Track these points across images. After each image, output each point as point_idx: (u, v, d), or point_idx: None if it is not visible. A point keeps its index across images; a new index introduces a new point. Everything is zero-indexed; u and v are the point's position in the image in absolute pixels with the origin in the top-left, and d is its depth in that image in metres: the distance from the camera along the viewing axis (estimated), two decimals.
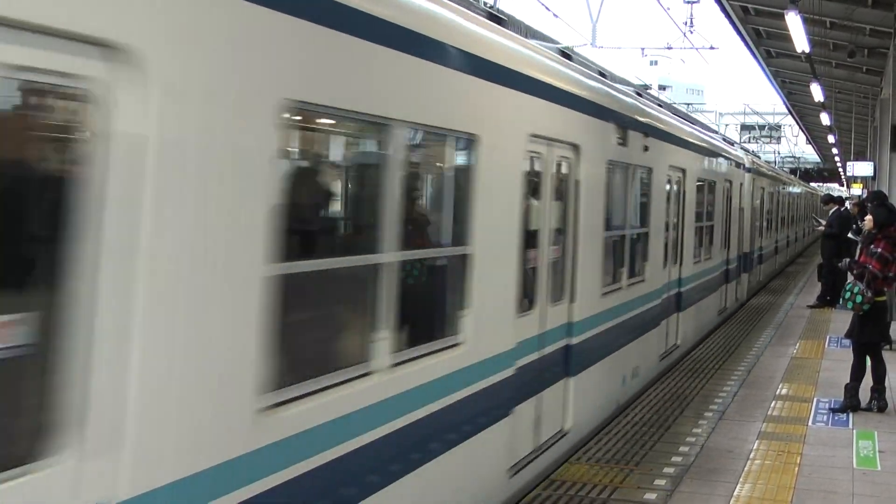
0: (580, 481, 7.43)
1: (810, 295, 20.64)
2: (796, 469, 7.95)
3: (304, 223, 4.56)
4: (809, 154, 68.49)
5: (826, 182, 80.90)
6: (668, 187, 12.21)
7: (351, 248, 5.15)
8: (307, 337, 4.67)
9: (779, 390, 11.02)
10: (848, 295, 9.92)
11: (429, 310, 5.93)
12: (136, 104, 3.10)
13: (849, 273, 10.29)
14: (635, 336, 10.52)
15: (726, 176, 17.11)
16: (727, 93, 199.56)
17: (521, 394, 6.89)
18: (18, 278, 3.08)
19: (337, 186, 5.34)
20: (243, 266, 3.72)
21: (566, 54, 9.49)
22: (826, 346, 14.21)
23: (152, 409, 3.31)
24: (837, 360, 12.48)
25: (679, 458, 8.12)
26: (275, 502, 3.88)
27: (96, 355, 3.09)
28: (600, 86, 9.53)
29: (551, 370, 7.66)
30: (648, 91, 18.94)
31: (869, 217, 10.47)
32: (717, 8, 22.44)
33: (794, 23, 16.65)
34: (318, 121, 4.70)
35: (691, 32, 24.05)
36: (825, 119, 33.85)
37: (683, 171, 13.00)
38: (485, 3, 14.15)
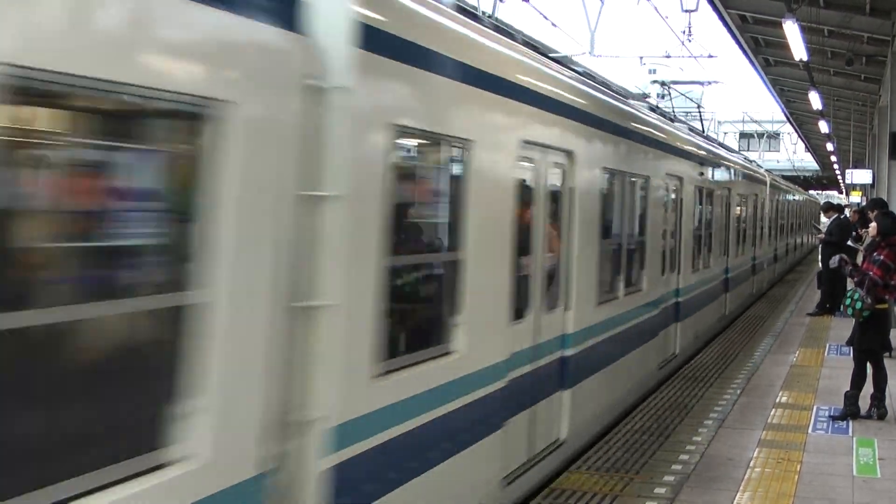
0: (580, 490, 7.43)
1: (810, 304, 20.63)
2: (796, 477, 7.95)
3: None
4: (808, 162, 68.53)
5: (825, 190, 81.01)
6: (522, 177, 7.13)
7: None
8: None
9: (779, 398, 11.02)
10: (848, 301, 9.96)
11: None
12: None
13: (849, 279, 10.32)
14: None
15: (666, 168, 12.21)
16: (726, 101, 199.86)
17: None
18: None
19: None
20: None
21: None
22: (826, 353, 14.20)
23: None
24: (837, 368, 12.48)
25: (679, 467, 8.12)
26: None
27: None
28: None
29: None
30: (647, 98, 18.87)
31: (873, 225, 10.49)
32: (715, 16, 22.48)
33: (791, 31, 16.69)
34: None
35: (690, 41, 24.12)
36: (824, 127, 33.89)
37: (570, 153, 8.00)
38: (483, 13, 14.17)
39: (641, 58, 25.24)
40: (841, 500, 7.43)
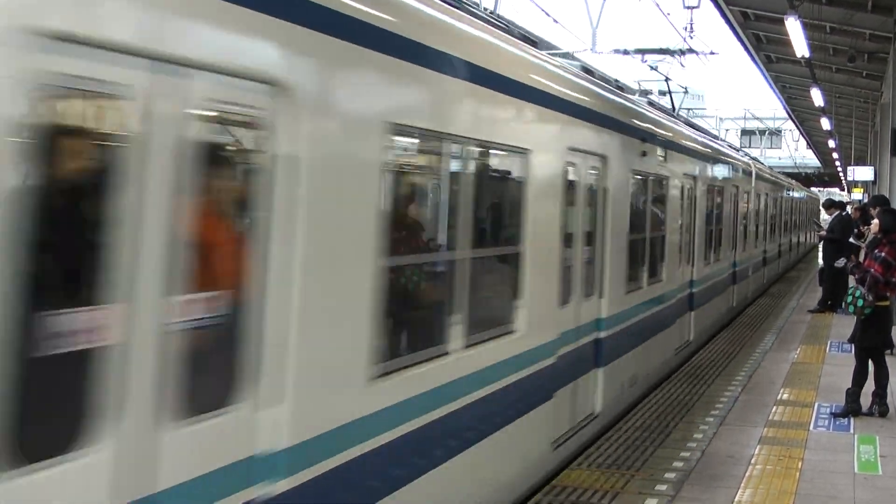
0: (581, 487, 7.42)
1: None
2: (797, 474, 7.94)
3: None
4: (810, 159, 68.55)
5: (827, 187, 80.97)
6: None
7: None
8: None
9: (780, 395, 11.01)
10: (850, 299, 9.95)
11: None
12: None
13: (850, 277, 10.33)
14: None
15: (571, 141, 8.14)
16: (727, 98, 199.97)
17: None
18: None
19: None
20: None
21: None
22: (827, 350, 14.19)
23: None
24: (838, 365, 12.47)
25: (680, 464, 8.11)
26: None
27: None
28: None
29: None
30: (649, 95, 18.65)
31: (875, 222, 10.49)
32: (717, 13, 22.46)
33: (793, 28, 16.67)
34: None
35: (691, 37, 24.09)
36: (825, 124, 33.88)
37: (278, 87, 4.10)
38: (484, 9, 14.13)
39: (643, 53, 25.17)
40: (842, 498, 7.42)
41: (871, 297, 9.79)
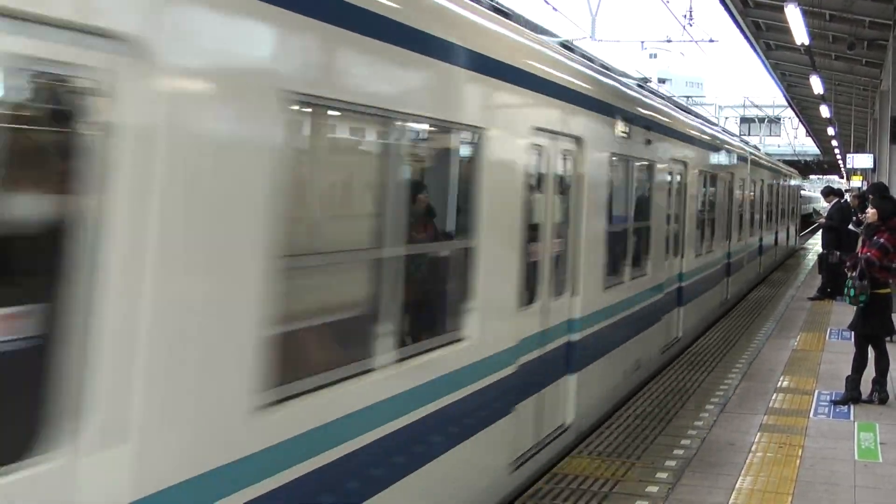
0: (582, 475, 7.44)
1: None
2: (798, 461, 7.95)
3: None
4: (810, 146, 68.48)
5: (826, 174, 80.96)
6: None
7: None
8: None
9: (780, 383, 11.03)
10: (845, 291, 9.96)
11: None
12: None
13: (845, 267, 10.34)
14: None
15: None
16: (727, 86, 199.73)
17: None
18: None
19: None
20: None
21: None
22: (827, 338, 14.20)
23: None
24: (838, 353, 12.48)
25: (681, 451, 8.13)
26: None
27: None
28: None
29: None
30: (648, 83, 18.54)
31: (873, 210, 10.45)
32: (716, 0, 22.42)
33: (793, 15, 16.64)
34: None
35: (691, 25, 24.13)
36: (825, 111, 33.84)
37: None
38: None
39: (642, 42, 25.17)
40: (842, 485, 7.44)
41: (864, 283, 9.75)
